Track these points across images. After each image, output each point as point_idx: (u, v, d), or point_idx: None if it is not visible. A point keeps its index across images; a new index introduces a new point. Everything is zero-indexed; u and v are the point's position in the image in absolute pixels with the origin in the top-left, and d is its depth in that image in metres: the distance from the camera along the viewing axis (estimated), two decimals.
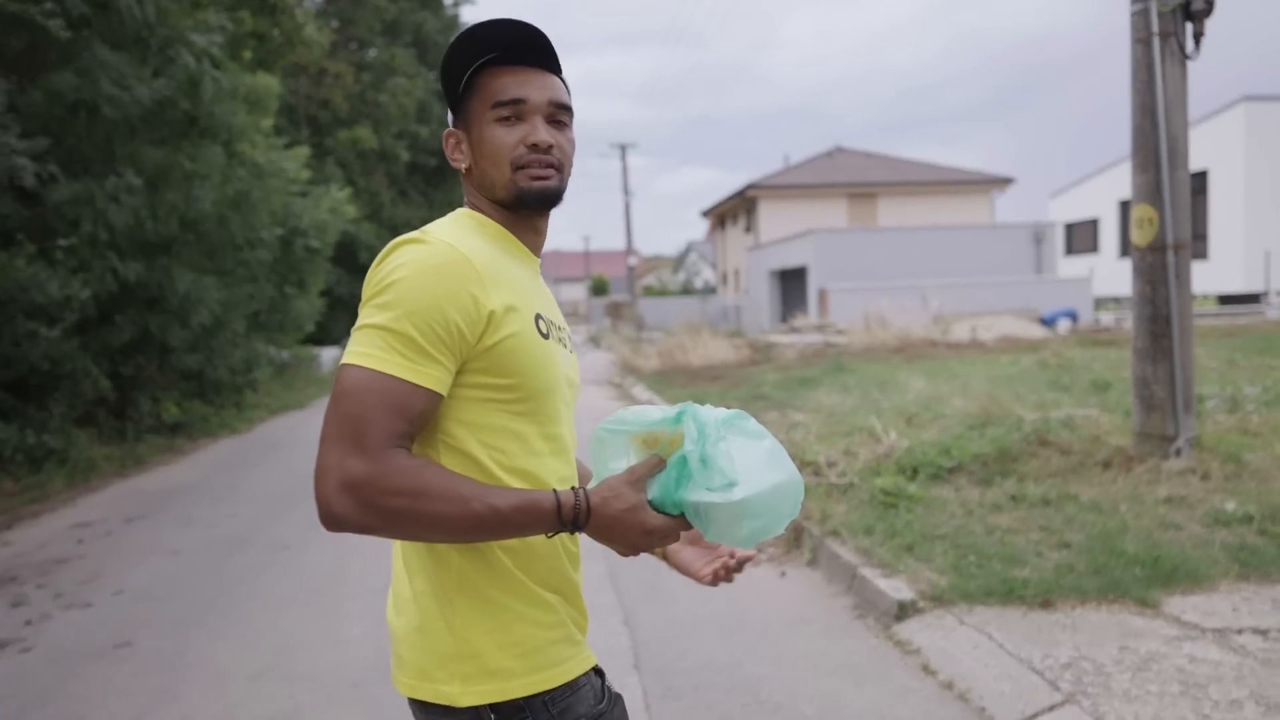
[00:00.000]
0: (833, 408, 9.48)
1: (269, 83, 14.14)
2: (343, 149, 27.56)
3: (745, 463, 1.14)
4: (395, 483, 1.07)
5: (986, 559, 4.20)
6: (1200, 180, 25.65)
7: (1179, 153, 5.20)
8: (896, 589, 4.00)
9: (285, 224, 14.76)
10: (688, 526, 1.18)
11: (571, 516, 1.14)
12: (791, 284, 27.60)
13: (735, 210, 38.96)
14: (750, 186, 34.77)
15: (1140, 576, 3.87)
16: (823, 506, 5.32)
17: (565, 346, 1.32)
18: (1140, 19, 5.22)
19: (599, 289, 65.02)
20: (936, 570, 4.16)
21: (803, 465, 6.43)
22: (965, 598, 3.84)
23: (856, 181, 34.82)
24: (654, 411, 1.20)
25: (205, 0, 10.26)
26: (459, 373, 1.17)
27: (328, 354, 21.22)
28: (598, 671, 1.31)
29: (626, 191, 33.88)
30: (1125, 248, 28.93)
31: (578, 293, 74.13)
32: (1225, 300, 25.01)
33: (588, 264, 65.07)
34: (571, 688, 1.24)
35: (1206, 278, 25.54)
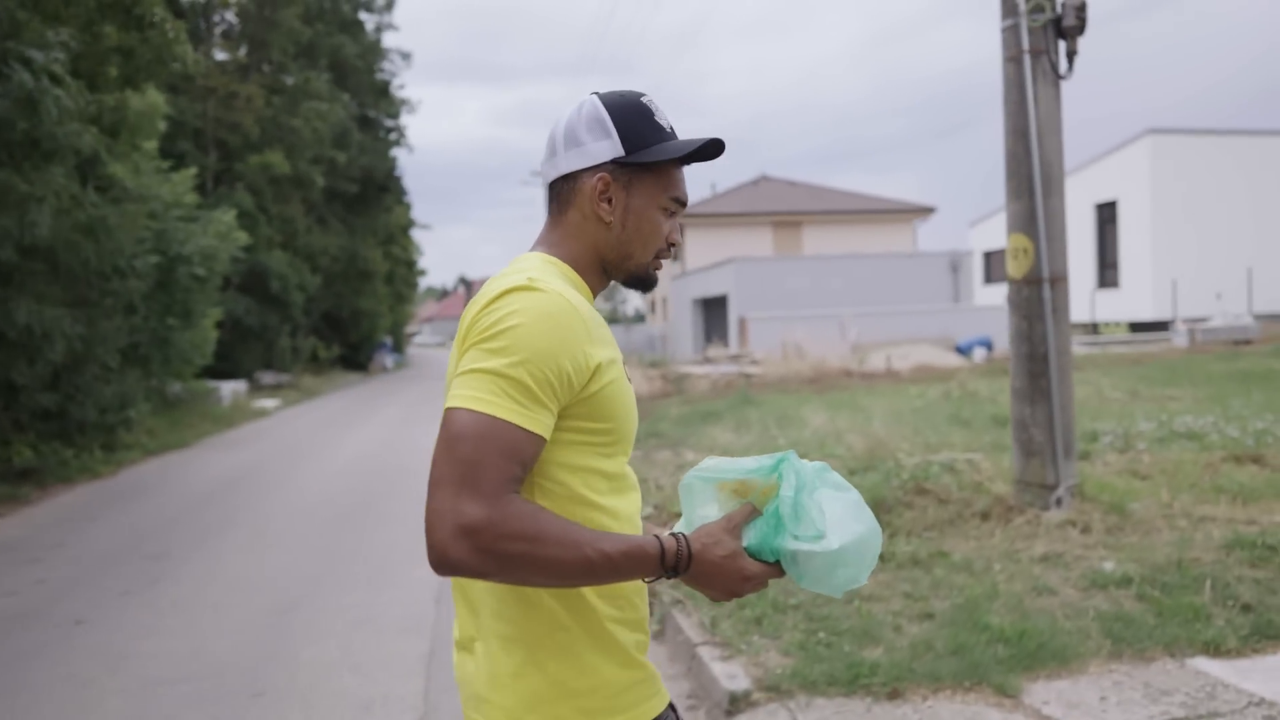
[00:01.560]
0: (727, 446, 9.01)
1: (154, 102, 13.30)
2: (254, 174, 26.45)
3: (834, 513, 1.17)
4: (513, 527, 1.07)
5: (838, 636, 3.69)
6: (1110, 210, 26.15)
7: (1054, 179, 4.84)
8: (732, 676, 3.46)
9: (165, 251, 13.85)
10: (781, 573, 1.21)
11: (673, 562, 1.17)
12: (714, 312, 27.31)
13: None
14: None
15: (1003, 658, 3.39)
16: None
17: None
18: (1011, 35, 4.87)
19: None
20: (782, 650, 3.64)
21: (671, 516, 5.91)
22: (806, 687, 3.32)
23: (781, 210, 34.86)
24: (746, 460, 1.23)
25: (65, 15, 9.49)
26: (559, 417, 1.19)
27: (229, 387, 20.11)
28: (672, 707, 1.33)
29: None
30: None
31: None
32: (1135, 328, 25.40)
33: None
34: None
35: (1117, 305, 25.96)
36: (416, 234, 50.66)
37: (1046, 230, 4.81)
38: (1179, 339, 20.23)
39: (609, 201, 1.30)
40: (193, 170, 16.10)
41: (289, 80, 29.58)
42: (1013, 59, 4.86)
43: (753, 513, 1.21)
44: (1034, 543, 4.54)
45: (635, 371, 17.37)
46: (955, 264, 25.60)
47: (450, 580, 1.27)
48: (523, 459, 1.12)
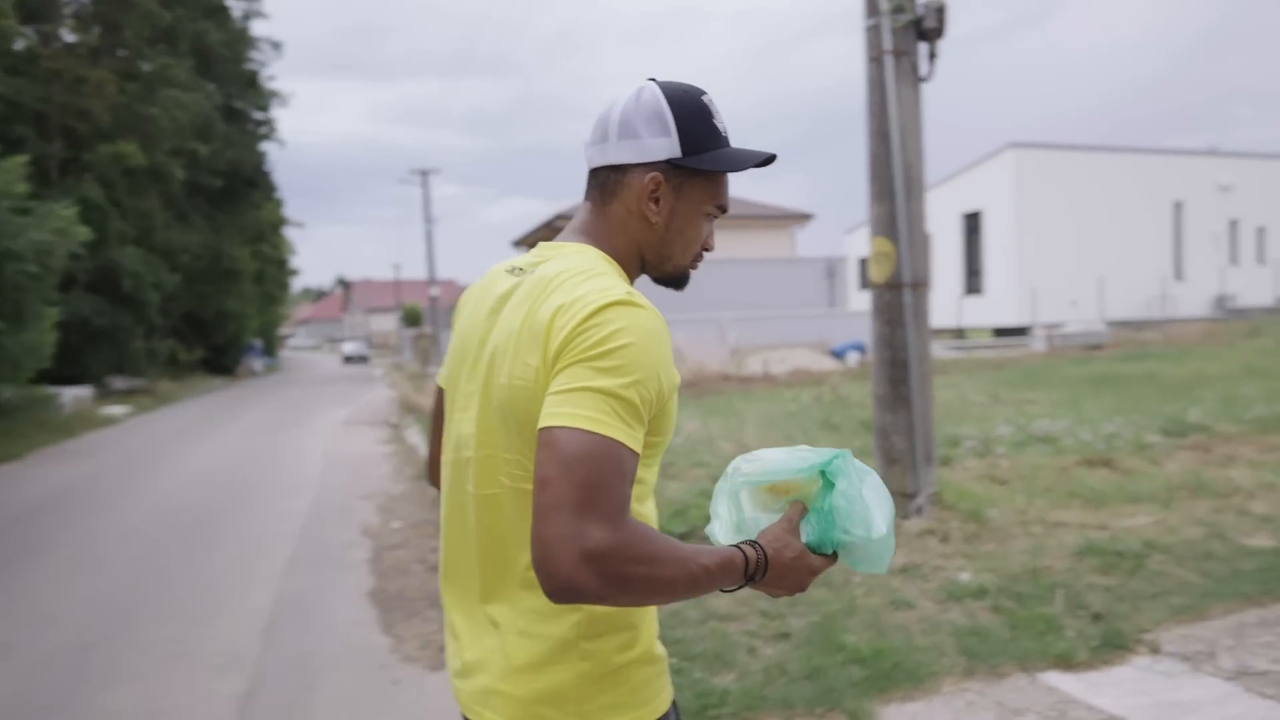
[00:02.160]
0: None
1: None
2: (105, 165, 24.68)
3: (874, 500, 1.23)
4: (638, 550, 1.06)
5: (690, 661, 3.47)
6: (976, 220, 27.23)
7: (915, 181, 4.77)
8: None
9: None
10: (835, 561, 1.25)
11: (754, 570, 1.18)
12: None
13: (545, 240, 38.23)
14: (559, 217, 34.17)
15: (857, 680, 3.23)
16: None
17: None
18: (873, 35, 4.78)
19: (412, 319, 62.69)
20: None
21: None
22: None
23: None
24: (790, 460, 1.25)
25: None
26: None
27: (72, 394, 18.63)
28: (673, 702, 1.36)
29: (429, 219, 32.52)
30: None
31: (390, 323, 71.20)
32: (999, 333, 26.52)
33: (398, 293, 62.56)
34: (665, 719, 1.29)
35: (983, 311, 27.06)
36: (290, 232, 48.68)
37: (908, 234, 4.74)
38: (1038, 344, 21.15)
39: (656, 201, 1.28)
40: (23, 158, 14.75)
41: (146, 66, 27.76)
42: (875, 59, 4.77)
43: (805, 510, 1.24)
44: (894, 553, 4.43)
45: None
46: (831, 269, 26.14)
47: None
48: (631, 480, 1.10)
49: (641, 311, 1.16)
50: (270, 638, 4.58)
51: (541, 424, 1.10)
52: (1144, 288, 26.50)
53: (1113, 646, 3.42)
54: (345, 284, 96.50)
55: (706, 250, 1.37)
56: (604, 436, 1.07)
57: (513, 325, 1.22)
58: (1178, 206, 27.31)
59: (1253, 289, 27.83)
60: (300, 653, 4.37)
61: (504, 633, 1.27)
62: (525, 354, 1.18)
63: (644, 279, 1.37)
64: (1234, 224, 28.22)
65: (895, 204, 4.72)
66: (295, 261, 51.13)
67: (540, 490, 1.06)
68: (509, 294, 1.28)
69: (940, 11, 4.66)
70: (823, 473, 1.24)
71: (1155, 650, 3.41)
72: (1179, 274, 27.39)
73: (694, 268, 1.37)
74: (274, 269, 45.26)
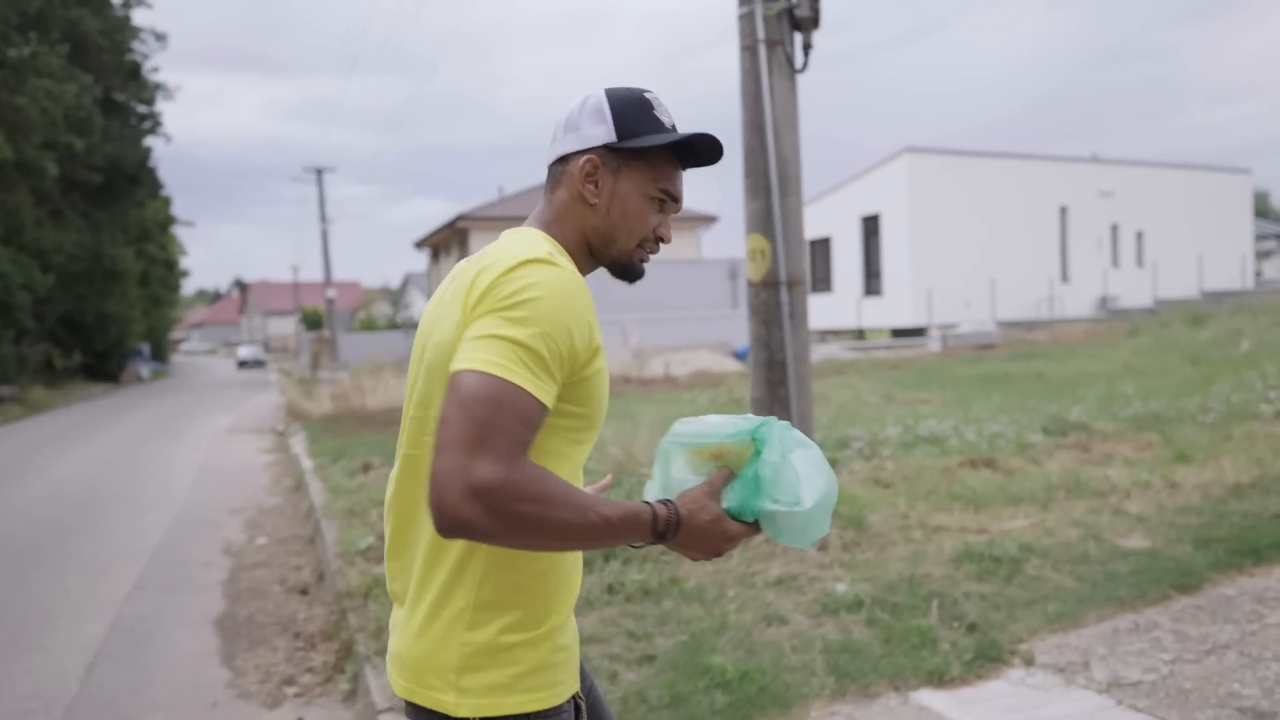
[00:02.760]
0: None
1: None
2: None
3: (804, 472, 1.21)
4: (527, 489, 1.07)
5: None
6: (874, 223, 27.74)
7: (791, 176, 4.60)
8: None
9: None
10: (758, 531, 1.25)
11: (664, 528, 1.19)
12: None
13: (448, 242, 37.49)
14: (461, 218, 33.52)
15: (721, 707, 3.00)
16: (380, 610, 4.15)
17: None
18: (747, 23, 4.59)
19: (313, 322, 60.77)
20: None
21: (361, 557, 5.20)
22: None
23: None
24: (723, 425, 1.26)
25: None
26: None
27: None
28: (576, 696, 1.34)
29: (324, 219, 31.43)
30: (815, 283, 30.75)
31: (289, 326, 68.85)
32: (897, 333, 27.06)
33: (297, 295, 60.54)
34: (556, 712, 1.27)
35: (882, 312, 27.57)
36: (180, 232, 46.60)
37: (784, 230, 4.56)
38: (933, 344, 21.60)
39: (595, 185, 1.32)
40: None
41: (13, 53, 26.04)
42: (749, 48, 4.58)
43: (730, 476, 1.24)
44: (770, 564, 4.24)
45: (401, 381, 16.38)
46: (734, 271, 26.24)
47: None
48: (532, 427, 1.12)
49: (558, 270, 1.19)
50: (92, 675, 4.12)
51: (450, 369, 1.14)
52: (1033, 289, 27.41)
53: (987, 659, 3.28)
54: (242, 286, 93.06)
55: (662, 240, 1.37)
56: (505, 380, 1.10)
57: (445, 297, 1.28)
58: (1063, 211, 28.36)
59: (1133, 291, 29.10)
60: (122, 692, 3.93)
61: (411, 598, 1.29)
62: (451, 314, 1.22)
63: (603, 276, 1.41)
64: (1115, 228, 29.47)
65: (770, 199, 4.54)
66: (188, 262, 49.14)
67: (440, 429, 1.08)
68: (452, 278, 1.31)
69: (814, 0, 4.51)
70: (754, 439, 1.23)
71: (1029, 662, 3.28)
72: (1065, 276, 28.44)
73: (643, 258, 1.37)
74: (161, 270, 43.21)
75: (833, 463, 6.32)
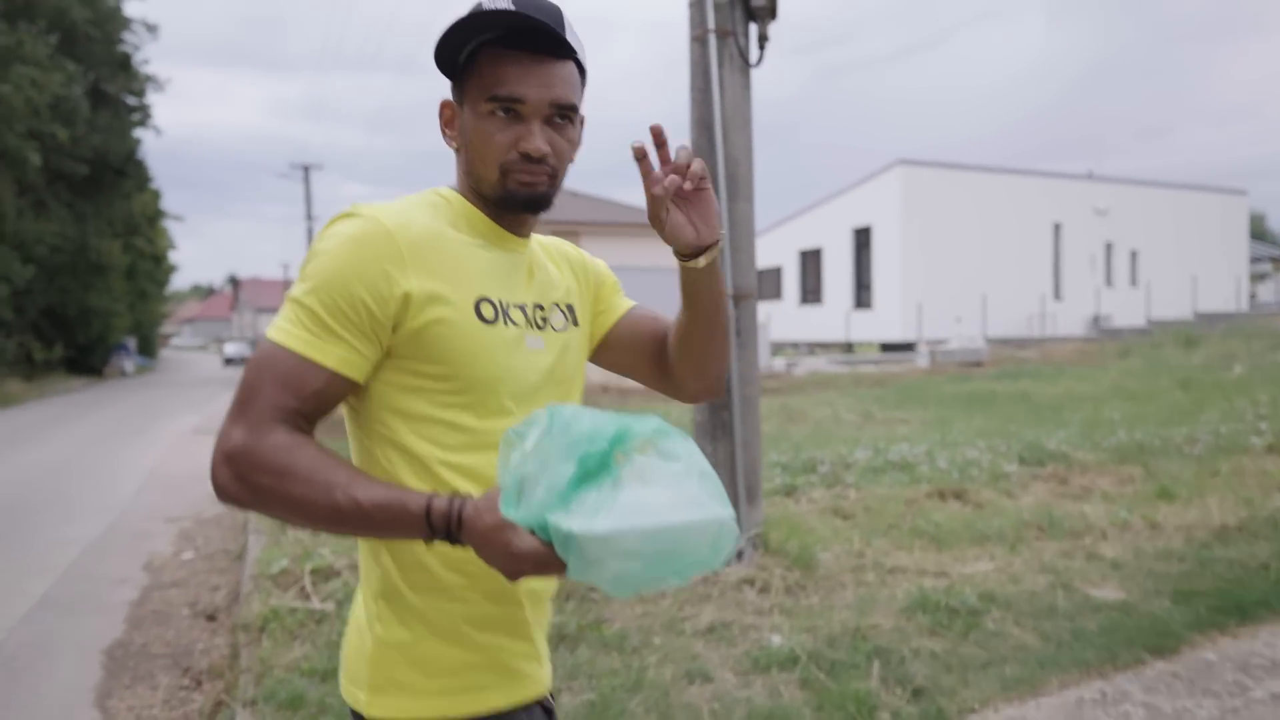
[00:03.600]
0: None
1: None
2: None
3: (635, 489, 0.92)
4: (266, 459, 1.02)
5: None
6: (865, 235, 27.38)
7: (741, 180, 4.20)
8: None
9: None
10: (551, 555, 0.95)
11: (443, 525, 1.02)
12: None
13: None
14: None
15: None
16: (272, 648, 3.73)
17: (539, 336, 1.23)
18: (696, 11, 4.20)
19: None
20: None
21: (272, 582, 4.76)
22: None
23: (559, 220, 34.07)
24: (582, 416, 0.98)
25: None
26: (388, 358, 1.12)
27: None
28: (546, 709, 1.24)
29: (309, 216, 31.03)
30: (805, 295, 30.38)
31: None
32: (886, 348, 26.69)
33: (284, 292, 59.97)
34: None
35: (872, 326, 27.20)
36: (175, 226, 46.27)
37: (731, 239, 4.16)
38: (921, 360, 21.22)
39: (453, 127, 1.22)
40: None
41: None
42: (698, 39, 4.19)
43: None
44: (705, 606, 3.83)
45: None
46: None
47: None
48: (301, 392, 1.05)
49: (351, 220, 1.11)
50: None
51: None
52: (1025, 306, 27.05)
53: None
54: (235, 282, 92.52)
55: (526, 155, 1.14)
56: (273, 343, 1.06)
57: None
58: (1057, 228, 28.02)
59: (1126, 310, 28.76)
60: None
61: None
62: None
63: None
64: (1109, 246, 29.14)
65: (719, 204, 4.13)
66: (183, 256, 48.84)
67: None
68: None
69: None
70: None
71: None
72: (1058, 294, 28.09)
73: (521, 181, 1.15)
74: (148, 264, 42.76)
75: (790, 491, 5.94)
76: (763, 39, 4.23)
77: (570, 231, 33.69)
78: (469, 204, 1.21)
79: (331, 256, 1.08)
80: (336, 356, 1.06)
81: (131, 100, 35.43)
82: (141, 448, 12.52)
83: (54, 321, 32.53)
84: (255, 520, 6.72)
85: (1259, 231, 54.59)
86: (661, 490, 0.92)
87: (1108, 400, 11.67)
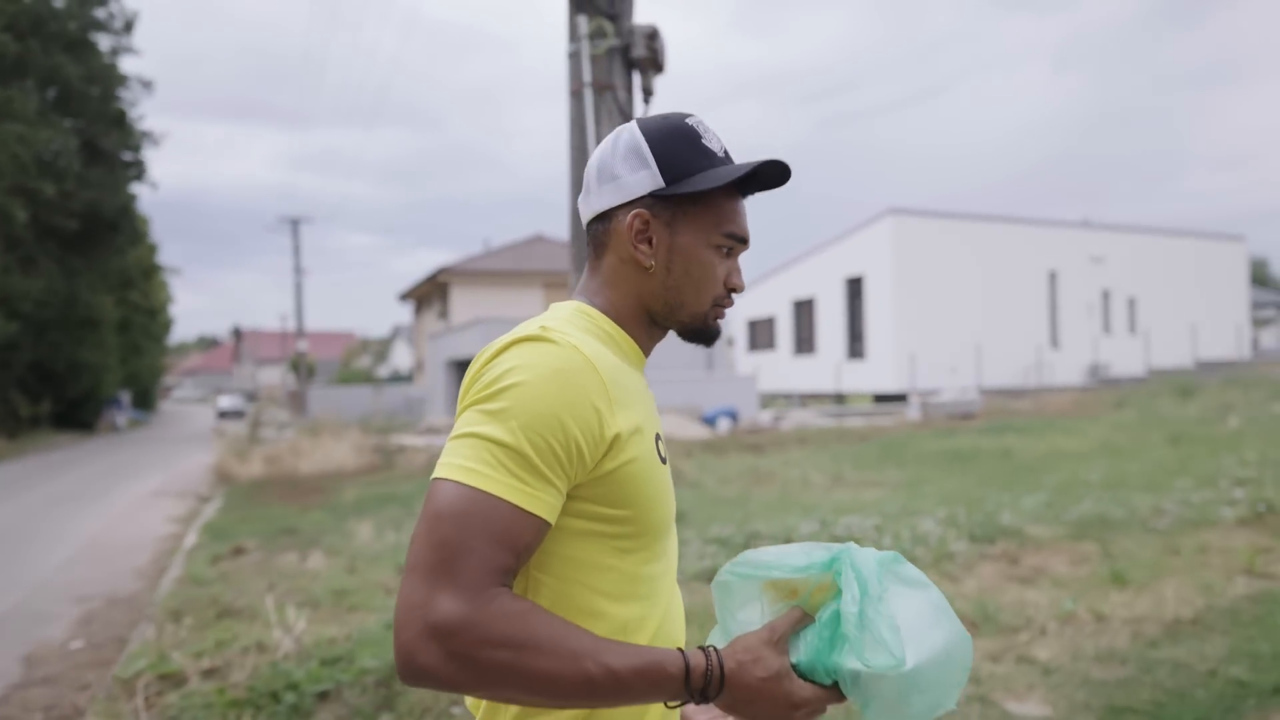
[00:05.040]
0: (366, 549, 7.55)
1: None
2: None
3: (909, 621, 0.96)
4: (498, 630, 0.89)
5: None
6: (857, 285, 27.09)
7: None
8: None
9: None
10: (841, 698, 0.99)
11: (701, 684, 0.96)
12: None
13: (430, 295, 36.98)
14: (442, 270, 33.04)
15: None
16: None
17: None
18: (574, 64, 3.87)
19: (308, 373, 60.20)
20: None
21: (122, 688, 4.31)
22: None
23: (553, 270, 34.03)
24: (796, 553, 1.03)
25: None
26: (566, 499, 1.02)
27: None
28: None
29: (298, 269, 30.93)
30: (799, 345, 30.00)
31: (279, 375, 68.24)
32: (879, 399, 26.21)
33: (286, 344, 60.01)
34: None
35: (865, 376, 26.77)
36: (177, 279, 46.48)
37: None
38: (913, 412, 20.75)
39: (649, 242, 1.13)
40: None
41: None
42: (575, 93, 3.85)
43: (803, 619, 1.01)
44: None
45: (339, 443, 15.57)
46: None
47: None
48: (517, 546, 0.94)
49: (549, 347, 1.00)
50: None
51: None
52: (1021, 355, 26.61)
53: None
54: (238, 333, 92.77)
55: (733, 290, 1.17)
56: (478, 490, 0.93)
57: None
58: (1053, 276, 27.68)
59: (1125, 359, 28.28)
60: None
61: None
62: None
63: (674, 341, 1.22)
64: (1106, 294, 28.76)
65: None
66: (190, 308, 48.83)
67: (409, 548, 0.94)
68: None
69: (653, 38, 3.79)
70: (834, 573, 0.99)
71: None
72: (1055, 342, 27.65)
73: (718, 315, 1.17)
74: (143, 317, 42.72)
75: (714, 573, 5.48)
76: (647, 93, 3.90)
77: (562, 283, 33.56)
78: (616, 326, 1.14)
79: (536, 390, 0.96)
80: (546, 505, 0.96)
81: (127, 155, 35.65)
82: (94, 511, 12.11)
83: (41, 376, 32.36)
84: (159, 603, 6.29)
85: (1261, 278, 54.20)
86: (924, 618, 0.96)
87: (1092, 458, 11.18)
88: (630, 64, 3.84)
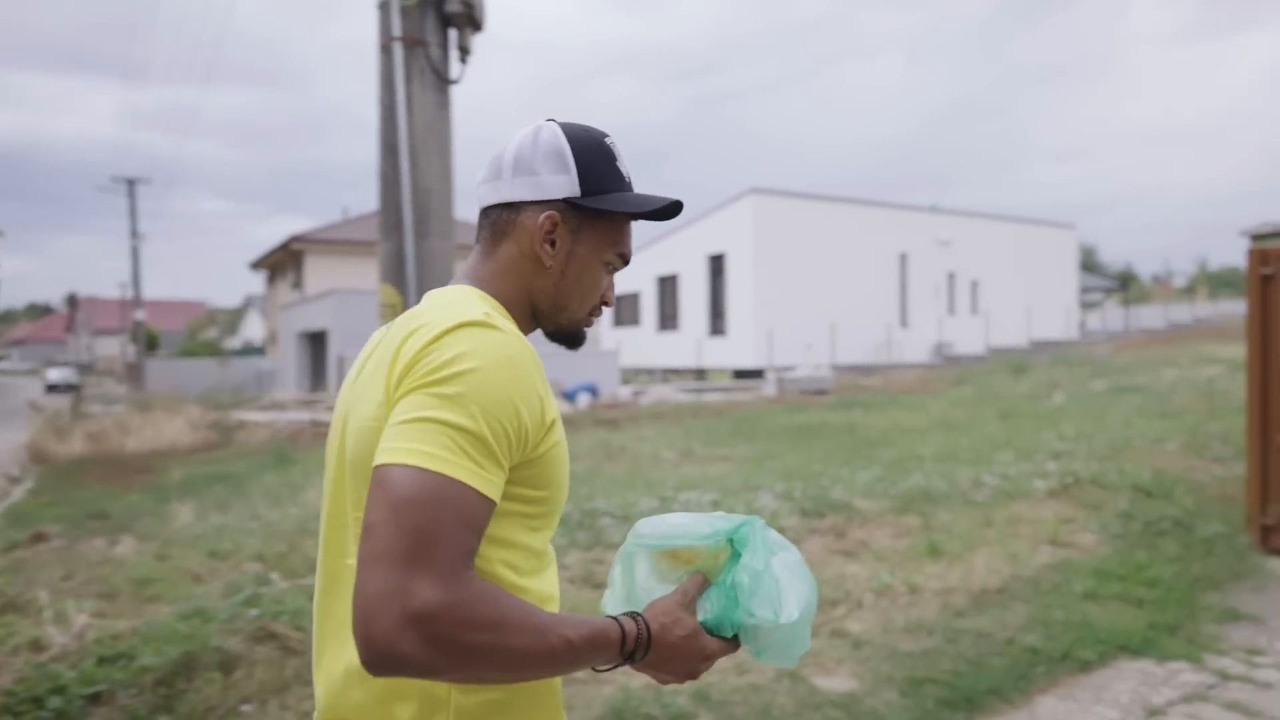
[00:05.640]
0: (183, 533, 7.07)
1: None
2: None
3: (786, 579, 1.11)
4: (478, 612, 0.90)
5: None
6: (719, 262, 27.47)
7: (433, 212, 3.62)
8: None
9: None
10: (737, 647, 1.14)
11: (633, 647, 1.06)
12: (319, 349, 24.80)
13: (284, 264, 35.27)
14: (295, 239, 31.54)
15: None
16: None
17: None
18: (384, 16, 3.62)
19: (150, 343, 56.49)
20: None
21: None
22: None
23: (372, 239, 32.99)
24: (699, 524, 1.15)
25: None
26: None
27: None
28: None
29: (135, 234, 28.88)
30: (663, 321, 30.24)
31: (118, 346, 63.85)
32: (739, 375, 26.75)
33: (126, 314, 56.20)
34: None
35: (725, 352, 27.25)
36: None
37: (419, 280, 3.57)
38: (769, 388, 21.23)
39: (553, 244, 1.19)
40: None
41: None
42: (385, 47, 3.60)
43: (705, 583, 1.13)
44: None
45: (174, 419, 14.66)
46: None
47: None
48: (479, 529, 0.96)
49: (497, 334, 1.03)
50: None
51: (375, 462, 0.95)
52: (873, 333, 27.64)
53: None
54: (73, 301, 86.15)
55: (606, 305, 1.25)
56: (443, 475, 0.93)
57: (368, 371, 1.10)
58: (903, 258, 28.83)
59: (968, 338, 29.80)
60: None
61: None
62: (374, 391, 1.04)
63: (537, 336, 1.23)
64: (952, 276, 30.19)
65: (404, 240, 3.55)
66: (16, 273, 44.82)
67: (365, 538, 0.91)
68: (374, 347, 1.15)
69: None
70: (731, 541, 1.13)
71: None
72: (904, 322, 28.85)
73: (589, 323, 1.26)
74: None
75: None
76: (464, 52, 3.69)
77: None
78: (509, 315, 1.17)
79: (491, 376, 0.98)
80: (497, 488, 0.99)
81: None
82: None
83: None
84: None
85: (1090, 263, 58.19)
86: (793, 575, 1.11)
87: (929, 432, 11.67)
88: (445, 20, 3.62)
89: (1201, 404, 12.70)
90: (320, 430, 14.89)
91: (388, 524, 0.90)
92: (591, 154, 1.18)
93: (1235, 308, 38.46)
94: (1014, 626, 4.08)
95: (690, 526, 1.15)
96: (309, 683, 3.52)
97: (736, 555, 1.12)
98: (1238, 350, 16.12)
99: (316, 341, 24.67)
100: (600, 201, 1.17)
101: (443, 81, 3.65)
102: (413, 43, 3.56)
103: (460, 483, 0.93)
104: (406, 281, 3.56)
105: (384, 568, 0.88)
